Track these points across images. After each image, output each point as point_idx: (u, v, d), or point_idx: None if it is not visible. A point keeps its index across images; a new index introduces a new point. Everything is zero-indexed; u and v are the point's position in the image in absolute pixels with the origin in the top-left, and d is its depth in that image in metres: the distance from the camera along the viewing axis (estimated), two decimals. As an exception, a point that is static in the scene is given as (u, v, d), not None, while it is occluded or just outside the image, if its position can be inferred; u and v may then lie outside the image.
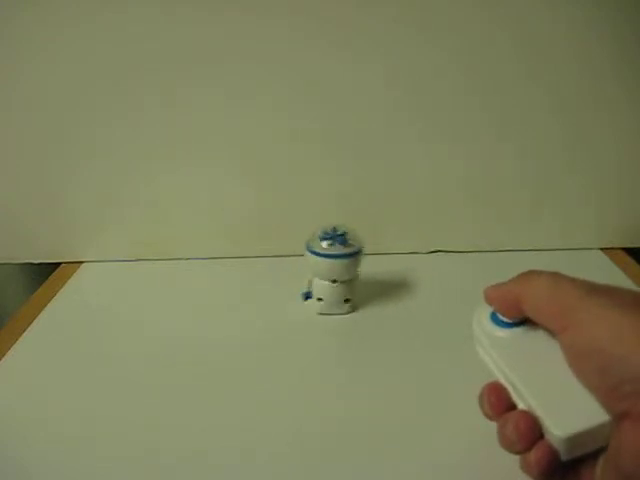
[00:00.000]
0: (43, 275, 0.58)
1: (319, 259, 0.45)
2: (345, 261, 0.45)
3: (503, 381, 0.29)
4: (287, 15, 0.48)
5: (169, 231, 0.58)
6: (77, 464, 0.35)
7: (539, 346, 0.28)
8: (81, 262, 0.59)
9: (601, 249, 0.58)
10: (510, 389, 0.28)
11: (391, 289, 0.52)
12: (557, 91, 0.51)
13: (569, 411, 0.26)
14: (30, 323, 0.49)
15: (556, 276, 0.27)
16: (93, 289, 0.55)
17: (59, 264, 0.59)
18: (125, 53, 0.50)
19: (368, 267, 0.56)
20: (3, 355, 0.45)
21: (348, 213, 0.57)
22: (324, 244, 0.45)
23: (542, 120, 0.53)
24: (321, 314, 0.48)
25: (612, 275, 0.53)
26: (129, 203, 0.56)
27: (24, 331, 0.48)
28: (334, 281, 0.46)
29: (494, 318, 0.31)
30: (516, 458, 0.28)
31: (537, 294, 0.28)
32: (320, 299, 0.47)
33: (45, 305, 0.52)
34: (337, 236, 0.45)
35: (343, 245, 0.45)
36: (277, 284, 0.54)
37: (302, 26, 0.49)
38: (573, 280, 0.27)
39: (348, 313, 0.48)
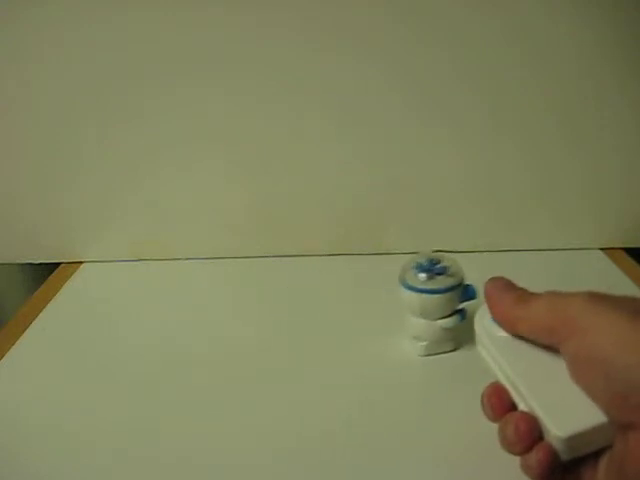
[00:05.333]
0: (43, 275, 0.58)
1: (417, 295, 0.40)
2: (446, 296, 0.39)
3: (503, 381, 0.29)
4: (286, 14, 0.48)
5: (169, 231, 0.58)
6: (77, 464, 0.35)
7: (540, 346, 0.28)
8: (81, 262, 0.59)
9: (601, 249, 0.58)
10: (510, 389, 0.28)
11: (391, 289, 0.52)
12: (557, 91, 0.51)
13: (569, 411, 0.25)
14: (30, 323, 0.49)
15: (554, 293, 0.27)
16: (93, 289, 0.55)
17: (59, 264, 0.59)
18: (125, 54, 0.50)
19: (368, 267, 0.56)
20: (3, 355, 0.45)
21: (348, 213, 0.57)
22: (421, 277, 0.40)
23: (542, 120, 0.53)
24: (427, 355, 0.42)
25: (612, 275, 0.53)
26: (129, 203, 0.56)
27: (24, 331, 0.48)
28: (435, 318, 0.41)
29: None
30: (516, 458, 0.27)
31: (535, 315, 0.27)
32: (421, 340, 0.42)
33: (45, 305, 0.52)
34: (435, 268, 0.40)
35: (443, 277, 0.39)
36: (277, 284, 0.54)
37: (301, 25, 0.49)
38: (571, 293, 0.27)
39: (454, 350, 0.43)
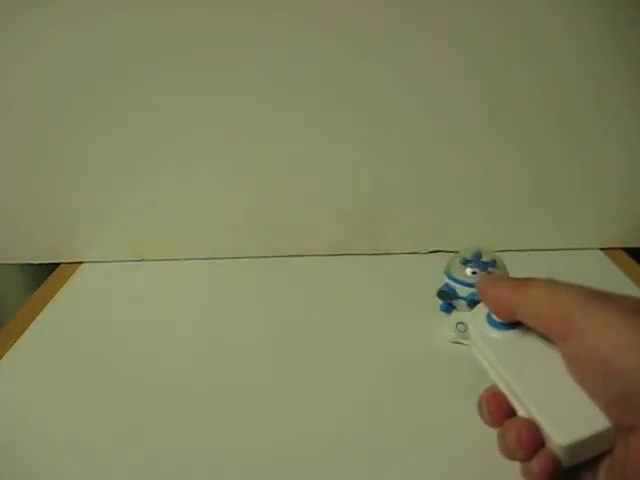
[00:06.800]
0: (43, 275, 0.58)
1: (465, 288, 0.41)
2: None
3: (500, 384, 0.28)
4: (286, 13, 0.48)
5: (169, 231, 0.58)
6: (77, 464, 0.35)
7: (537, 349, 0.28)
8: (81, 262, 0.59)
9: (601, 249, 0.58)
10: (507, 393, 0.28)
11: (391, 289, 0.52)
12: (557, 91, 0.51)
13: (570, 418, 0.25)
14: (30, 323, 0.49)
15: (553, 283, 0.27)
16: (93, 289, 0.55)
17: (59, 264, 0.59)
18: (126, 54, 0.50)
19: (368, 267, 0.56)
20: (3, 355, 0.45)
21: (348, 213, 0.57)
22: (467, 271, 0.41)
23: (542, 120, 0.53)
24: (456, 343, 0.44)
25: (612, 276, 0.53)
26: (129, 203, 0.56)
27: (24, 331, 0.48)
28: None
29: (490, 319, 0.30)
30: (516, 463, 0.27)
31: (534, 302, 0.27)
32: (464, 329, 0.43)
33: (45, 305, 0.52)
34: (481, 263, 0.41)
35: (488, 272, 0.40)
36: (277, 284, 0.54)
37: (301, 24, 0.49)
38: (570, 286, 0.26)
39: None
